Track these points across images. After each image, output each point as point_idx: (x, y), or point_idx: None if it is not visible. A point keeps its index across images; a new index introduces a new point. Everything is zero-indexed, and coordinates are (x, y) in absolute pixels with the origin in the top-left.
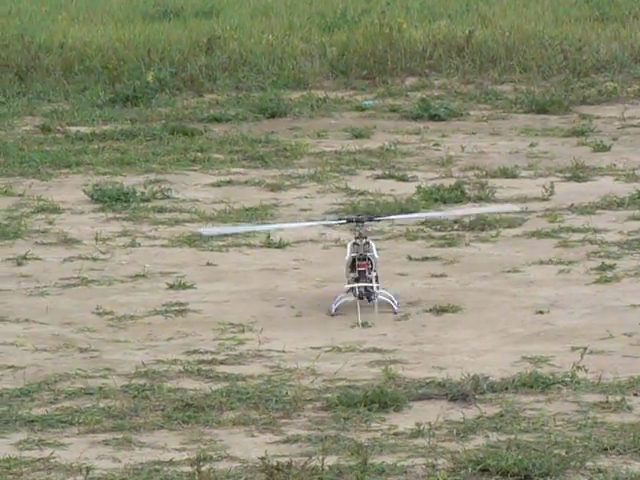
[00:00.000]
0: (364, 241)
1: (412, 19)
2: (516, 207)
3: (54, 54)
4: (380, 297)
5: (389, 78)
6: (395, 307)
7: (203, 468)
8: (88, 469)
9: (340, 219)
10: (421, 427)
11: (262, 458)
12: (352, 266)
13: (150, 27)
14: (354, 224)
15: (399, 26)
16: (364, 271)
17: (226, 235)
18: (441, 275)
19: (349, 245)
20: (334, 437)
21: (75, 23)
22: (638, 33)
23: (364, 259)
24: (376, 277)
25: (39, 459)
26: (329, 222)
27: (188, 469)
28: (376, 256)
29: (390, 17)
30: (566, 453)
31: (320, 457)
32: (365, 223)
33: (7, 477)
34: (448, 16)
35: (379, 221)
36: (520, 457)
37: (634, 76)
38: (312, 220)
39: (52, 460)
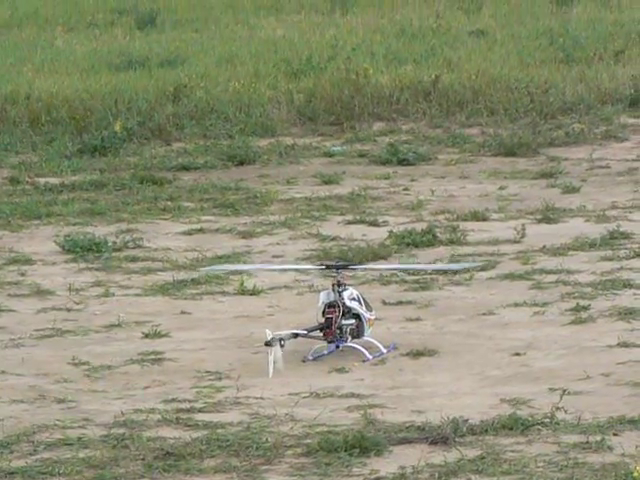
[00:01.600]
0: (339, 288)
1: (378, 64)
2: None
3: (20, 106)
4: (350, 344)
5: (356, 123)
6: (367, 355)
7: None
8: None
9: (321, 264)
10: (404, 471)
11: None
12: (323, 312)
13: (116, 77)
14: (333, 271)
15: (365, 71)
16: (331, 318)
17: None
18: (416, 319)
19: (322, 293)
20: None
21: (40, 75)
22: (603, 75)
23: (333, 306)
24: (353, 324)
25: None
26: (309, 267)
27: None
28: (348, 304)
29: (355, 63)
30: None
31: None
32: (340, 270)
33: None
34: (413, 61)
35: (355, 270)
36: None
37: (601, 117)
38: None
39: None
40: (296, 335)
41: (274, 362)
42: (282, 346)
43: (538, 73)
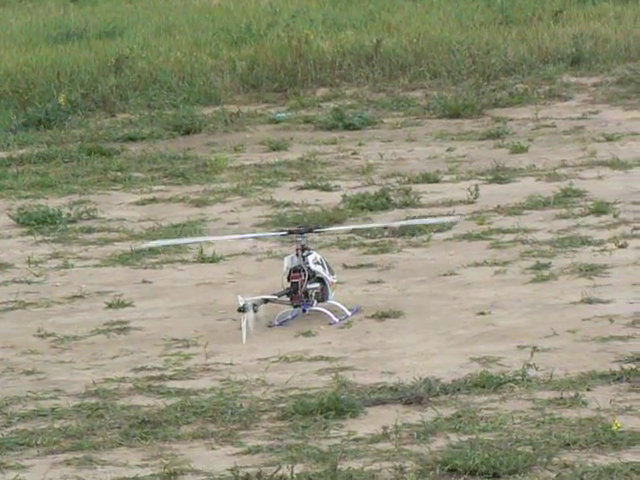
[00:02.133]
0: (303, 253)
1: (317, 30)
2: (450, 218)
3: None
4: (316, 308)
5: (300, 90)
6: (333, 318)
7: None
8: None
9: (282, 230)
10: (387, 430)
11: (232, 469)
12: (288, 277)
13: (55, 50)
14: (294, 236)
15: (306, 38)
16: (297, 282)
17: (171, 245)
18: (378, 281)
19: (287, 258)
20: (297, 445)
21: None
22: (544, 34)
23: (298, 271)
24: (318, 288)
25: None
26: (271, 234)
27: None
28: (313, 268)
29: (296, 29)
30: (533, 450)
31: (289, 465)
32: (305, 235)
33: None
34: (353, 26)
35: (320, 233)
36: (487, 456)
37: (543, 77)
38: (244, 233)
39: None
40: (266, 300)
41: (247, 328)
42: (255, 312)
43: (478, 35)
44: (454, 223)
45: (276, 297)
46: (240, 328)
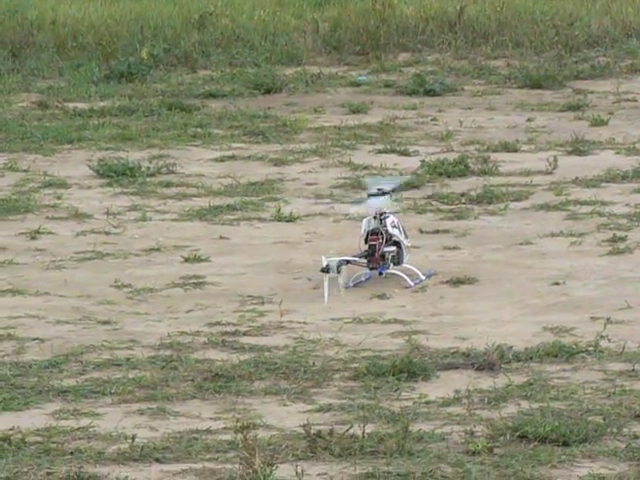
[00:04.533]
0: (381, 216)
1: None
2: None
3: (46, 31)
4: (392, 271)
5: (382, 54)
6: (409, 282)
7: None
8: (134, 437)
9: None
10: (459, 395)
11: (304, 426)
12: (366, 240)
13: (140, 4)
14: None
15: (390, 2)
16: (374, 245)
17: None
18: (454, 248)
19: (365, 220)
20: (368, 406)
21: (64, 0)
22: (629, 8)
23: (376, 233)
24: (394, 251)
25: (78, 428)
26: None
27: (227, 437)
28: (391, 231)
29: None
30: (603, 420)
31: (361, 425)
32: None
33: (50, 445)
34: None
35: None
36: (557, 424)
37: (626, 51)
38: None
39: (91, 429)
40: (347, 262)
41: (329, 287)
42: (339, 272)
43: (562, 6)
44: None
45: (357, 259)
46: (321, 288)
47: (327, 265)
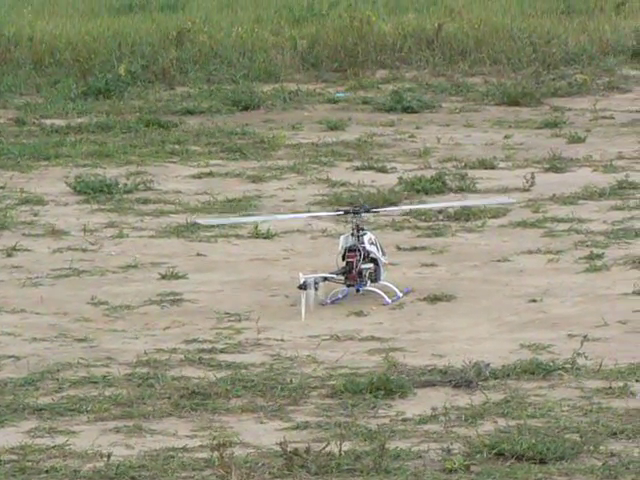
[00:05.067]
0: (359, 233)
1: (379, 12)
2: (508, 199)
3: (24, 47)
4: (369, 288)
5: (360, 70)
6: (387, 299)
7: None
8: (109, 455)
9: (338, 210)
10: (436, 412)
11: (280, 443)
12: (343, 257)
13: (117, 20)
14: (351, 215)
15: (368, 19)
16: (352, 262)
17: (222, 225)
18: (431, 264)
19: (342, 237)
20: (345, 423)
21: (41, 17)
22: (605, 26)
23: (353, 250)
24: (372, 268)
25: (53, 446)
26: (326, 214)
27: (204, 455)
28: (368, 248)
29: (358, 10)
30: (580, 438)
31: (337, 442)
32: (362, 215)
33: (25, 464)
34: (415, 9)
35: (377, 212)
36: (534, 441)
37: (603, 69)
38: (298, 212)
39: (67, 447)
40: (325, 279)
41: (306, 304)
42: (316, 289)
43: (540, 23)
44: (509, 204)
45: (334, 276)
46: (299, 304)
47: (304, 282)
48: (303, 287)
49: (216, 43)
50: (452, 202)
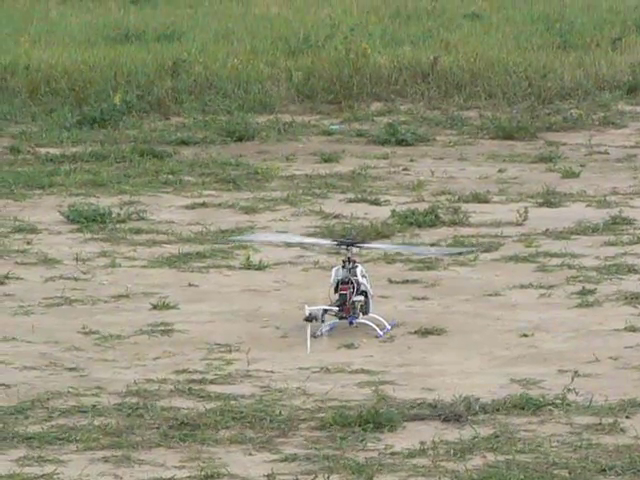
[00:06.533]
0: (350, 265)
1: (375, 45)
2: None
3: (19, 76)
4: (362, 321)
5: (355, 103)
6: (379, 332)
7: None
8: None
9: (334, 240)
10: (424, 446)
11: (268, 475)
12: (336, 289)
13: (113, 50)
14: (344, 247)
15: (364, 51)
16: (345, 294)
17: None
18: (423, 298)
19: (334, 269)
20: (334, 456)
21: (37, 46)
22: (601, 61)
23: (346, 282)
24: (362, 300)
25: (42, 475)
26: (322, 242)
27: None
28: (361, 280)
29: (353, 43)
30: (569, 474)
31: (325, 475)
32: (354, 247)
33: None
34: (410, 42)
35: (369, 249)
36: (523, 477)
37: (598, 104)
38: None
39: (55, 476)
40: (326, 311)
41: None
42: (323, 321)
43: (536, 58)
44: (466, 253)
45: (334, 308)
46: (306, 336)
47: (310, 314)
48: (309, 319)
49: (211, 74)
50: (397, 246)
